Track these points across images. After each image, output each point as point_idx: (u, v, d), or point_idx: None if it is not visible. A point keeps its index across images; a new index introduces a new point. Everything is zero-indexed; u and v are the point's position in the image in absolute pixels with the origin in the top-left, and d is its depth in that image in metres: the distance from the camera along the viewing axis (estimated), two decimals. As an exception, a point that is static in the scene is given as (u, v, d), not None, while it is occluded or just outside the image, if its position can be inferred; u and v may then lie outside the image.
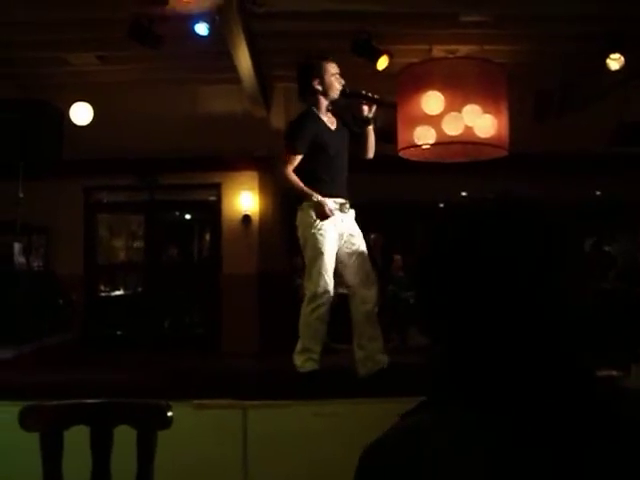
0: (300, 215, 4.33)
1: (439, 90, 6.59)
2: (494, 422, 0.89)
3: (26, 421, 2.15)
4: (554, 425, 0.89)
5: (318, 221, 4.23)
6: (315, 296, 4.27)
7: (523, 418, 0.89)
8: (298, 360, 4.33)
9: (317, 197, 4.23)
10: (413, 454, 0.90)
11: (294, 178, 4.29)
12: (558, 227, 0.97)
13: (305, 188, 4.27)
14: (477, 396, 0.93)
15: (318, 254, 4.26)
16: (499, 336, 0.93)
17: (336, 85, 4.42)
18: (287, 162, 4.29)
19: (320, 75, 4.39)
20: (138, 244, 10.62)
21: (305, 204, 4.29)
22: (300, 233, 4.36)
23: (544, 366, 0.92)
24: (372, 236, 8.24)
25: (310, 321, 4.31)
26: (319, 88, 4.39)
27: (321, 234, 4.26)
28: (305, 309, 4.32)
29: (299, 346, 4.35)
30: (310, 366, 4.30)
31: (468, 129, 6.47)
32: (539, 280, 0.92)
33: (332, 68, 4.43)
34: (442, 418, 0.93)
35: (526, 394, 0.91)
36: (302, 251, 4.41)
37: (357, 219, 4.53)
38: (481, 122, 6.50)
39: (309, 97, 4.45)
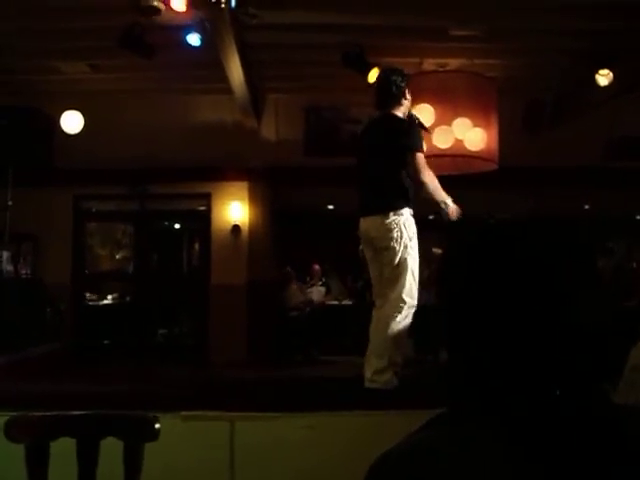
0: (400, 223, 4.18)
1: (429, 103, 6.63)
2: (506, 439, 0.90)
3: (11, 432, 2.12)
4: (564, 441, 0.90)
5: (415, 230, 4.21)
6: (412, 307, 4.22)
7: (535, 434, 0.90)
8: (384, 377, 4.17)
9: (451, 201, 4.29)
10: (420, 471, 0.90)
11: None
12: (584, 247, 0.99)
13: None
14: (490, 412, 0.93)
15: (415, 266, 4.22)
16: (520, 350, 0.94)
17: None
18: (423, 163, 4.22)
19: (408, 87, 4.48)
20: (127, 253, 10.57)
21: (406, 210, 4.21)
22: (399, 242, 4.16)
23: (559, 382, 0.93)
24: (361, 247, 8.20)
25: (401, 332, 4.21)
26: (409, 98, 4.47)
27: (417, 245, 4.24)
28: (396, 321, 4.17)
29: (381, 364, 4.18)
30: (397, 381, 4.20)
31: (458, 142, 6.51)
32: (563, 299, 0.94)
33: None
34: (452, 434, 0.93)
35: (539, 410, 0.91)
36: (391, 260, 4.20)
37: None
38: (471, 135, 6.56)
39: (395, 104, 4.42)
